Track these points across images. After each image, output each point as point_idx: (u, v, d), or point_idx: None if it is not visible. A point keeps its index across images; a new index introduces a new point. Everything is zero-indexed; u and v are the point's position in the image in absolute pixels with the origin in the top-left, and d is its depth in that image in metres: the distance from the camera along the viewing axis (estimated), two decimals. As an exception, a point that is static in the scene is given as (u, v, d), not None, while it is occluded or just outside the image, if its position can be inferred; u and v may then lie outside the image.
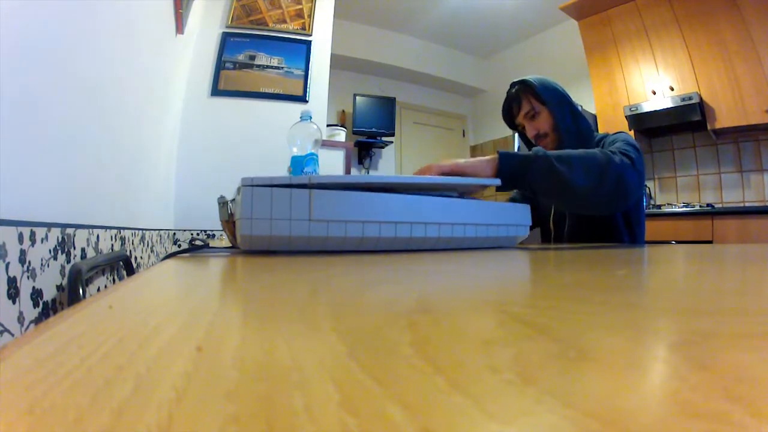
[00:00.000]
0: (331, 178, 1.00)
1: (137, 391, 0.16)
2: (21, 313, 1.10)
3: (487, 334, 0.25)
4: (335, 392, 0.16)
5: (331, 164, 4.05)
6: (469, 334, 0.25)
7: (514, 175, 1.31)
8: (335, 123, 5.90)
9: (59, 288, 1.29)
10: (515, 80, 1.89)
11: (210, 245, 1.19)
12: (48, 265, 1.23)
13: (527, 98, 1.84)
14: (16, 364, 0.22)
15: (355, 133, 6.23)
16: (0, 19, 1.04)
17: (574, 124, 1.79)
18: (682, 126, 4.48)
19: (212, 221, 3.57)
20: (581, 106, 4.34)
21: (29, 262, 1.13)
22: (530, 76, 1.85)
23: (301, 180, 0.97)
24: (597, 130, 1.86)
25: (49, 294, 1.24)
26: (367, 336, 0.25)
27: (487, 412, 0.14)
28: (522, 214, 1.29)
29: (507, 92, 1.91)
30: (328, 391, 0.16)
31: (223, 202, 1.12)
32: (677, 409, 0.14)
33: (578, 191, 1.32)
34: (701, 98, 4.18)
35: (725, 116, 4.10)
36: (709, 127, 4.22)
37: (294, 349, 0.22)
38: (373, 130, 6.34)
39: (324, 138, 3.82)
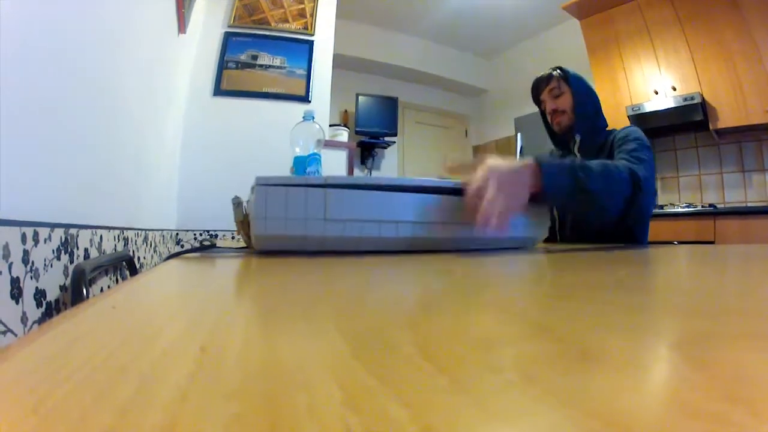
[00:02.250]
0: (348, 179, 1.00)
1: (141, 391, 0.16)
2: (24, 313, 1.10)
3: (492, 334, 0.25)
4: (338, 391, 0.16)
5: (334, 164, 4.04)
6: (472, 334, 0.25)
7: (554, 200, 1.35)
8: (338, 123, 5.88)
9: (62, 288, 1.29)
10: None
11: (218, 245, 1.19)
12: (51, 266, 1.23)
13: (557, 79, 1.93)
14: (21, 363, 0.22)
15: (357, 133, 6.20)
16: (4, 20, 1.05)
17: (593, 116, 1.90)
18: (684, 126, 4.47)
19: (215, 221, 3.58)
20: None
21: (32, 263, 1.13)
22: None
23: (317, 180, 0.96)
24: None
25: (52, 294, 1.24)
26: (370, 335, 0.25)
27: (488, 411, 0.14)
28: (540, 215, 1.29)
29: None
30: (331, 390, 0.16)
31: (238, 203, 1.11)
32: (678, 409, 0.14)
33: (598, 215, 1.40)
34: (703, 98, 4.17)
35: (727, 116, 4.09)
36: (711, 127, 4.21)
37: (297, 349, 0.22)
38: (376, 130, 6.32)
39: (326, 138, 3.82)
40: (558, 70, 1.95)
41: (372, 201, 0.99)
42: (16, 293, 1.07)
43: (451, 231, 1.08)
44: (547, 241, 1.96)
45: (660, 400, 0.15)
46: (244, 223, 1.10)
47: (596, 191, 1.29)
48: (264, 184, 0.92)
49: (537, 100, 2.05)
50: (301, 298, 0.41)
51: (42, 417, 0.15)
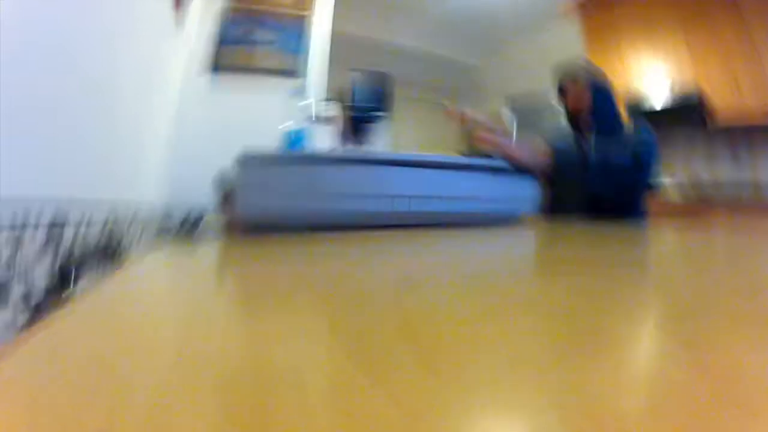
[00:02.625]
0: (331, 153, 0.98)
1: (124, 391, 0.17)
2: (12, 313, 1.10)
3: (479, 315, 0.25)
4: (323, 381, 0.16)
5: (325, 139, 4.03)
6: (457, 315, 0.25)
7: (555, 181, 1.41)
8: (331, 98, 5.88)
9: (49, 285, 1.29)
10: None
11: (206, 225, 1.18)
12: (39, 259, 1.23)
13: (583, 81, 1.96)
14: (11, 367, 0.22)
15: (350, 108, 6.21)
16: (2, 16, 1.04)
17: (611, 121, 1.90)
18: (680, 121, 4.49)
19: (205, 199, 3.56)
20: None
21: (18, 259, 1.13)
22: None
23: (300, 156, 0.95)
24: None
25: (39, 292, 1.23)
26: (356, 319, 0.25)
27: (478, 412, 0.14)
28: (530, 187, 1.29)
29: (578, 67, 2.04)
30: (316, 379, 0.16)
31: (221, 179, 1.10)
32: (672, 410, 0.14)
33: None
34: (701, 96, 4.18)
35: (724, 113, 4.09)
36: (708, 125, 4.22)
37: (282, 332, 0.22)
38: (369, 105, 6.33)
39: (319, 113, 3.81)
40: (586, 73, 1.98)
41: (356, 175, 0.98)
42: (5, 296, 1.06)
43: (438, 205, 1.07)
44: (548, 210, 1.99)
45: (656, 403, 0.15)
46: (227, 200, 1.09)
47: (598, 188, 1.35)
48: (246, 160, 0.91)
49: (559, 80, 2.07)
50: (286, 280, 0.41)
51: (34, 417, 0.15)
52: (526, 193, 1.27)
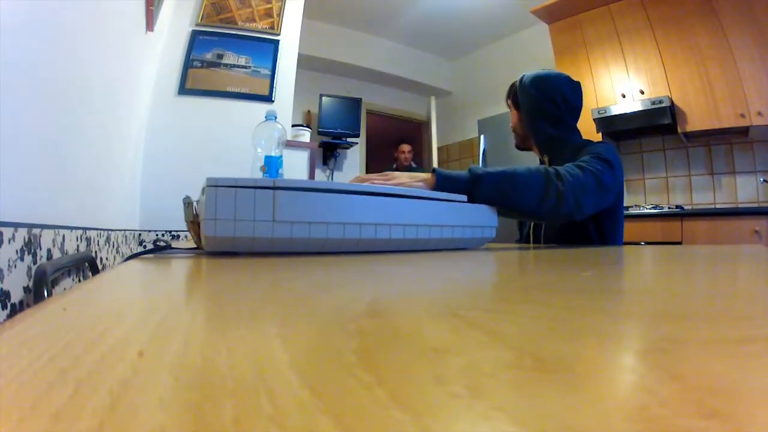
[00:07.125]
0: (296, 182, 0.99)
1: (75, 396, 0.16)
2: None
3: (438, 341, 0.24)
4: (267, 404, 0.15)
5: (296, 165, 4.03)
6: (419, 341, 0.24)
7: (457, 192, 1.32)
8: (300, 123, 5.91)
9: (26, 290, 1.28)
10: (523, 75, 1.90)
11: (172, 246, 1.18)
12: (15, 266, 1.22)
13: (510, 95, 1.91)
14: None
15: (320, 133, 6.24)
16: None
17: (552, 127, 1.79)
18: (651, 129, 4.55)
19: (178, 221, 3.53)
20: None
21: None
22: (529, 74, 1.84)
23: (266, 183, 0.96)
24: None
25: (16, 296, 1.24)
26: (311, 342, 0.24)
27: (427, 429, 0.13)
28: (488, 215, 1.30)
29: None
30: (260, 402, 0.15)
31: (188, 203, 1.10)
32: (645, 427, 0.13)
33: (519, 210, 1.39)
34: (672, 102, 4.23)
35: (697, 119, 4.15)
36: (679, 130, 4.27)
37: (234, 356, 0.21)
38: (339, 131, 6.37)
39: (289, 138, 3.81)
40: (517, 82, 1.88)
41: (319, 203, 0.99)
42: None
43: (399, 232, 1.09)
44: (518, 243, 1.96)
45: (625, 417, 0.14)
46: (194, 223, 1.10)
47: (492, 199, 1.32)
48: (214, 185, 0.92)
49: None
50: (248, 300, 0.41)
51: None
52: (487, 219, 1.30)
